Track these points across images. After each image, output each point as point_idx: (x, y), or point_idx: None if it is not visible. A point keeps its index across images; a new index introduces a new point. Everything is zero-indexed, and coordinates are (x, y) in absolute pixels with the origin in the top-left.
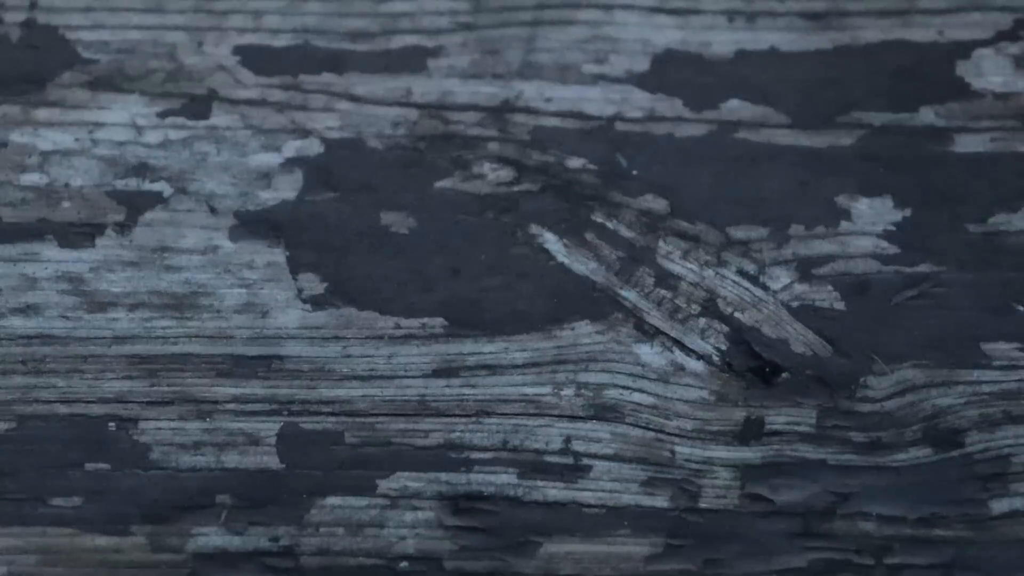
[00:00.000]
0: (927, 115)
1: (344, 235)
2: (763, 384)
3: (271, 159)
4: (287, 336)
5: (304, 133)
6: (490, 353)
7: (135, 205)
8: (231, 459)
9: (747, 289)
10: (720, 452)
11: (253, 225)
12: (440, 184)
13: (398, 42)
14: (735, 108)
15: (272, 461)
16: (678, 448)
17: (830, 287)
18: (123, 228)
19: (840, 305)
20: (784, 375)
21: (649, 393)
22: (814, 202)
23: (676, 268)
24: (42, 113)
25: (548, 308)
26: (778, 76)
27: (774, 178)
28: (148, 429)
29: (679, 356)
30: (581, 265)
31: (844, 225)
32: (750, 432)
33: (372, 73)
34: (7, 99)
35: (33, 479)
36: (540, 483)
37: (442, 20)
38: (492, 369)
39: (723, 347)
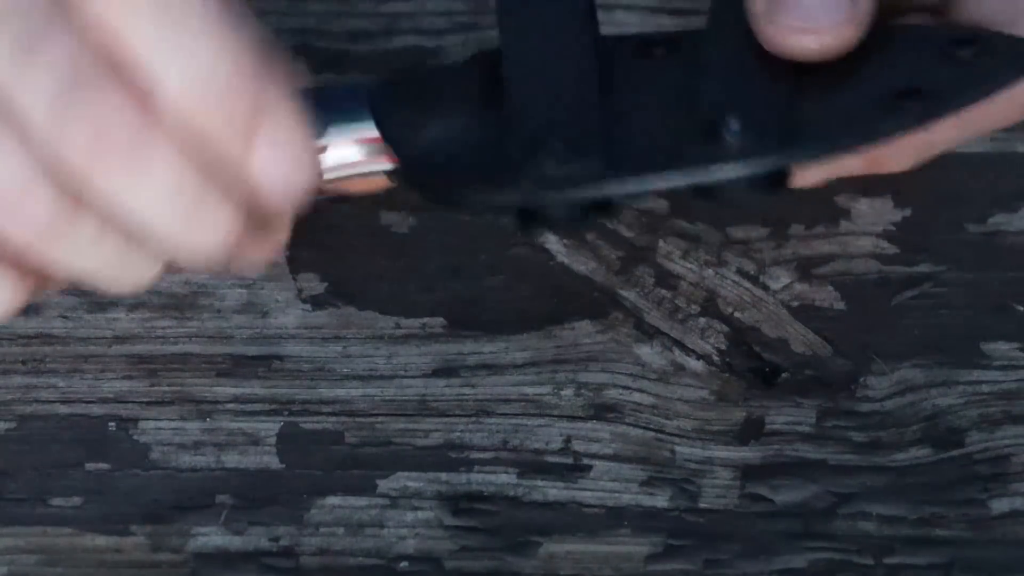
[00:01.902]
0: None
1: (344, 235)
2: (763, 384)
3: None
4: (287, 336)
5: None
6: (490, 353)
7: None
8: (231, 459)
9: (747, 289)
10: (720, 452)
11: None
12: None
13: (398, 42)
14: None
15: (272, 461)
16: (678, 448)
17: (830, 287)
18: None
19: (840, 305)
20: (784, 375)
21: (649, 393)
22: (814, 202)
23: (676, 268)
24: None
25: (548, 308)
26: None
27: None
28: (148, 429)
29: (679, 356)
30: (581, 265)
31: (844, 225)
32: (750, 432)
33: (372, 73)
34: None
35: (33, 479)
36: (540, 483)
37: (442, 20)
38: (492, 369)
39: (723, 347)
